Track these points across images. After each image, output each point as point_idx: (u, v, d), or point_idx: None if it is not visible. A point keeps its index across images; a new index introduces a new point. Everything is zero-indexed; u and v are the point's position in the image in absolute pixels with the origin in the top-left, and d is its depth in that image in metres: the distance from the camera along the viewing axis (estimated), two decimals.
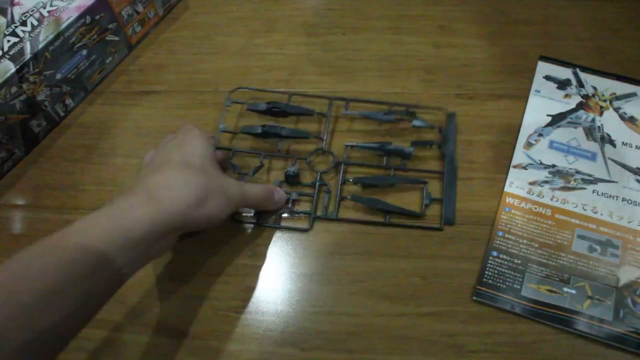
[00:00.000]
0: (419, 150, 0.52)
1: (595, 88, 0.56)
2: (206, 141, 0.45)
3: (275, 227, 0.50)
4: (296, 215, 0.50)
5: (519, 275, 0.46)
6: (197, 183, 0.40)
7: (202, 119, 0.57)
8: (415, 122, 0.52)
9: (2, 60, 0.50)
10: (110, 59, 0.61)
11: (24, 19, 0.53)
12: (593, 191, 0.50)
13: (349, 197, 0.50)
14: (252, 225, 0.50)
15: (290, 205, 0.50)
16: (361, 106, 0.55)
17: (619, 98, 0.55)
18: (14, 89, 0.50)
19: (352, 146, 0.52)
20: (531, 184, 0.50)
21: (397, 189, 0.51)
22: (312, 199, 0.50)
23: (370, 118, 0.54)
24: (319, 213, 0.50)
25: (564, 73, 0.57)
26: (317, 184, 0.50)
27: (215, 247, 0.49)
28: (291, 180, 0.50)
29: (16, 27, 0.52)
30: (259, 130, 0.52)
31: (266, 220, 0.50)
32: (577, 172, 0.51)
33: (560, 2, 0.63)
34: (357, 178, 0.50)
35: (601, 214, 0.48)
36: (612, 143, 0.52)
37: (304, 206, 0.51)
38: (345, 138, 0.54)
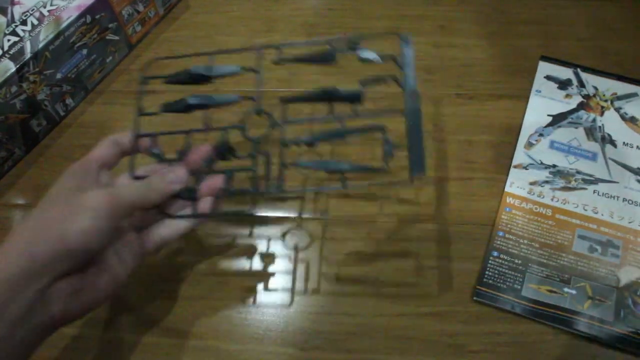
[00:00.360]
0: (378, 98, 0.45)
1: (596, 88, 0.56)
2: (65, 174, 0.37)
3: (214, 215, 0.41)
4: (235, 195, 0.41)
5: (519, 275, 0.46)
6: (24, 222, 0.34)
7: (202, 119, 0.57)
8: (363, 54, 0.41)
9: (2, 60, 0.50)
10: (110, 58, 0.60)
11: (24, 18, 0.53)
12: (594, 191, 0.50)
13: (291, 163, 0.41)
14: (202, 221, 0.42)
15: (226, 186, 0.40)
16: (296, 52, 0.43)
17: (620, 98, 0.55)
18: (14, 89, 0.50)
19: (288, 100, 0.43)
20: (532, 184, 0.50)
21: (355, 146, 0.45)
22: (252, 174, 0.41)
23: (306, 61, 0.43)
24: (261, 190, 0.41)
25: (565, 73, 0.57)
26: (254, 153, 0.41)
27: (215, 247, 0.49)
28: (224, 155, 0.42)
29: (16, 26, 0.52)
30: (182, 105, 0.43)
31: (203, 209, 0.40)
32: (578, 172, 0.51)
33: (561, 2, 0.63)
34: (300, 138, 0.41)
35: (602, 214, 0.48)
36: (612, 143, 0.52)
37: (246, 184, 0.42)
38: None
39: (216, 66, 0.44)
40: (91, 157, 0.38)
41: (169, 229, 0.39)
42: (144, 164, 0.41)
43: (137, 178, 0.40)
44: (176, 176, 0.39)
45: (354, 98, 0.41)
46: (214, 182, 0.40)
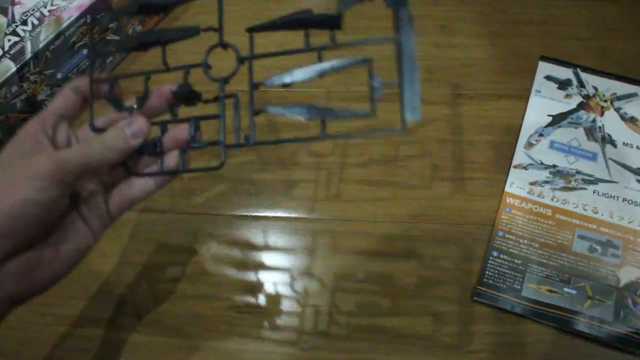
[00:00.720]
0: (359, 19, 0.37)
1: (596, 88, 0.56)
2: (18, 134, 0.33)
3: (182, 172, 0.36)
4: (200, 147, 0.36)
5: (519, 275, 0.46)
6: None
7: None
8: None
9: (2, 60, 0.50)
10: (110, 58, 0.61)
11: (25, 18, 0.53)
12: (594, 191, 0.50)
13: (264, 108, 0.35)
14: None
15: (193, 136, 0.36)
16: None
17: (619, 98, 0.55)
18: (14, 88, 0.50)
19: (255, 28, 0.37)
20: (532, 184, 0.50)
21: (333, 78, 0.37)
22: (217, 122, 0.37)
23: (293, 27, 0.37)
24: (230, 141, 0.36)
25: (565, 73, 0.57)
26: (221, 97, 0.37)
27: (215, 247, 0.49)
28: (185, 99, 0.37)
29: (17, 26, 0.52)
30: (134, 42, 0.37)
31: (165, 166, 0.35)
32: (578, 172, 0.51)
33: (561, 2, 0.63)
34: (273, 77, 0.36)
35: (602, 214, 0.48)
36: (612, 143, 0.52)
37: (211, 134, 0.38)
38: (248, 24, 0.39)
39: (167, 29, 0.39)
40: (47, 110, 0.34)
41: (136, 188, 0.35)
42: (105, 114, 0.37)
43: (97, 130, 0.35)
44: (136, 128, 0.33)
45: (331, 23, 0.35)
46: (179, 132, 0.36)
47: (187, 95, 0.36)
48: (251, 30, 0.36)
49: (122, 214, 0.36)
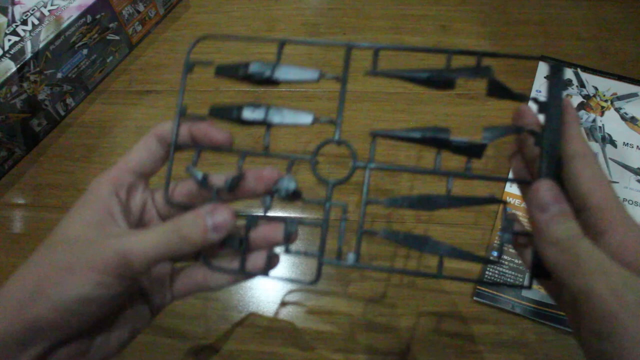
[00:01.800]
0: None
1: (596, 88, 0.56)
2: (88, 196, 0.29)
3: (260, 274, 0.31)
4: (296, 255, 0.33)
5: (519, 275, 0.46)
6: (20, 273, 0.27)
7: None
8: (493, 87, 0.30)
9: (3, 59, 0.50)
10: (111, 58, 0.60)
11: (25, 18, 0.53)
12: None
13: (377, 231, 0.31)
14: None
15: (287, 239, 0.32)
16: (397, 60, 0.31)
17: (620, 98, 0.55)
18: (14, 88, 0.50)
19: (382, 135, 0.32)
20: None
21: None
22: (316, 230, 0.32)
23: (415, 81, 0.31)
24: (327, 257, 0.32)
25: (565, 73, 0.57)
26: (328, 205, 0.32)
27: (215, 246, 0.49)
28: (288, 196, 0.32)
29: (17, 26, 0.52)
30: (234, 115, 0.31)
31: (242, 266, 0.31)
32: None
33: (561, 2, 0.63)
34: (391, 199, 0.31)
35: None
36: (613, 143, 0.52)
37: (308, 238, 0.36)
38: (369, 120, 0.34)
39: (284, 66, 0.33)
40: (124, 165, 0.29)
41: (210, 279, 0.31)
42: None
43: (174, 205, 0.30)
44: (219, 220, 0.27)
45: (473, 151, 0.32)
46: (271, 231, 0.31)
47: (290, 196, 0.31)
48: (375, 134, 0.32)
49: (185, 297, 0.32)
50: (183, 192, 0.31)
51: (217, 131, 0.30)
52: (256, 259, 0.31)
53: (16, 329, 0.25)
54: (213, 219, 0.27)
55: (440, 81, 0.30)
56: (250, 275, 0.31)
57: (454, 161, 0.52)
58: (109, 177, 0.29)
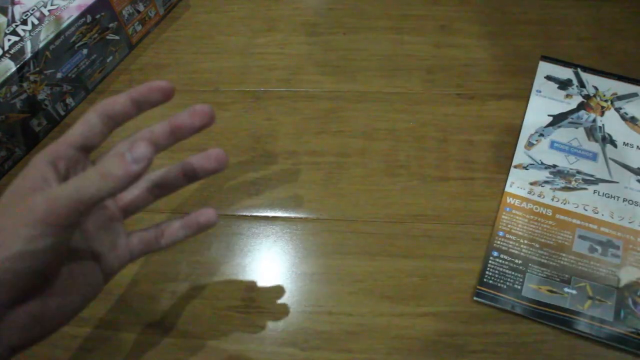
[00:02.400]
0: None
1: (596, 88, 0.56)
2: (25, 169, 0.29)
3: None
4: None
5: (519, 275, 0.46)
6: None
7: None
8: None
9: (2, 59, 0.50)
10: (110, 58, 0.61)
11: (25, 17, 0.53)
12: (594, 191, 0.50)
13: None
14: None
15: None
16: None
17: (620, 98, 0.55)
18: (14, 88, 0.50)
19: None
20: (532, 184, 0.50)
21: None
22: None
23: None
24: None
25: (565, 73, 0.57)
26: None
27: (214, 247, 0.49)
28: None
29: (17, 25, 0.52)
30: None
31: None
32: (578, 172, 0.51)
33: (561, 2, 0.63)
34: None
35: (602, 215, 0.48)
36: (613, 143, 0.52)
37: None
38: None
39: None
40: (61, 140, 0.30)
41: (158, 237, 0.34)
42: None
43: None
44: (139, 152, 0.27)
45: None
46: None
47: None
48: None
49: (145, 254, 0.33)
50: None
51: (158, 81, 0.32)
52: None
53: None
54: (132, 153, 0.27)
55: None
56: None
57: (454, 162, 0.53)
58: (47, 150, 0.30)
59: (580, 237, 0.47)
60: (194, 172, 0.34)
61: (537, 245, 0.47)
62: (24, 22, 0.53)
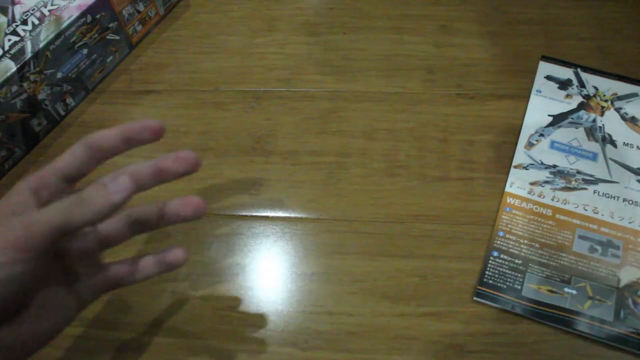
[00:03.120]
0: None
1: (596, 88, 0.56)
2: (9, 193, 0.30)
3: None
4: None
5: (519, 275, 0.46)
6: None
7: (202, 118, 0.57)
8: None
9: (2, 59, 0.50)
10: (111, 58, 0.61)
11: (25, 17, 0.53)
12: (594, 191, 0.50)
13: None
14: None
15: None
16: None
17: (620, 98, 0.55)
18: (14, 88, 0.50)
19: None
20: (532, 184, 0.50)
21: None
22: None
23: None
24: None
25: (565, 73, 0.57)
26: None
27: (214, 247, 0.49)
28: None
29: (17, 25, 0.52)
30: None
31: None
32: (578, 172, 0.51)
33: (562, 2, 0.63)
34: None
35: (602, 215, 0.48)
36: (613, 143, 0.52)
37: None
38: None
39: None
40: (47, 167, 0.31)
41: (133, 272, 0.34)
42: None
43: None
44: (121, 183, 0.28)
45: None
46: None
47: None
48: None
49: (119, 287, 0.33)
50: None
51: (150, 121, 0.32)
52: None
53: None
54: (114, 184, 0.28)
55: None
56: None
57: (454, 162, 0.53)
58: (31, 177, 0.30)
59: (580, 237, 0.47)
60: (170, 217, 0.34)
61: (537, 245, 0.47)
62: (24, 22, 0.53)
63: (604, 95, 0.55)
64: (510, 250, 0.47)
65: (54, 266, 0.30)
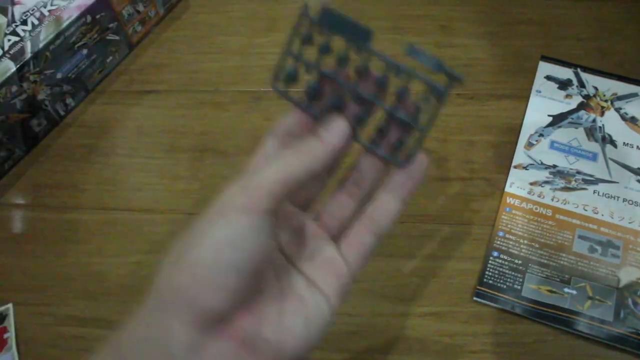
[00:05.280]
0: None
1: (596, 88, 0.56)
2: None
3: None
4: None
5: (519, 275, 0.46)
6: None
7: (203, 118, 0.57)
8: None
9: (2, 60, 0.50)
10: (110, 58, 0.60)
11: (25, 18, 0.53)
12: (594, 192, 0.50)
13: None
14: None
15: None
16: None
17: (620, 98, 0.55)
18: (14, 88, 0.50)
19: None
20: (532, 184, 0.50)
21: None
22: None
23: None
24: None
25: (565, 73, 0.57)
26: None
27: None
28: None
29: (17, 26, 0.52)
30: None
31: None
32: (578, 172, 0.51)
33: (561, 2, 0.63)
34: None
35: (602, 215, 0.48)
36: (613, 143, 0.52)
37: None
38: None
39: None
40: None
41: (379, 211, 0.29)
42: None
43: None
44: (334, 127, 0.27)
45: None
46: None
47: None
48: None
49: (365, 263, 0.28)
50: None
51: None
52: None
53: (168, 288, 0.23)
54: (327, 129, 0.27)
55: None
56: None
57: (454, 162, 0.52)
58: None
59: (580, 237, 0.47)
60: None
61: (537, 246, 0.47)
62: (24, 23, 0.53)
63: (604, 96, 0.55)
64: (510, 250, 0.47)
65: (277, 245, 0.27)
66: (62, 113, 0.58)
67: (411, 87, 0.28)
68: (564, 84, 0.56)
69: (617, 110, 0.54)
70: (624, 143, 0.52)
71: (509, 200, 0.49)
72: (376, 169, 0.29)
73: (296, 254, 0.28)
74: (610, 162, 0.51)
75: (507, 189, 0.50)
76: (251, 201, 0.23)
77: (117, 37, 0.60)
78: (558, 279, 0.45)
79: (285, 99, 0.29)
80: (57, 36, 0.52)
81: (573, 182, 0.50)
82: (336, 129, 0.27)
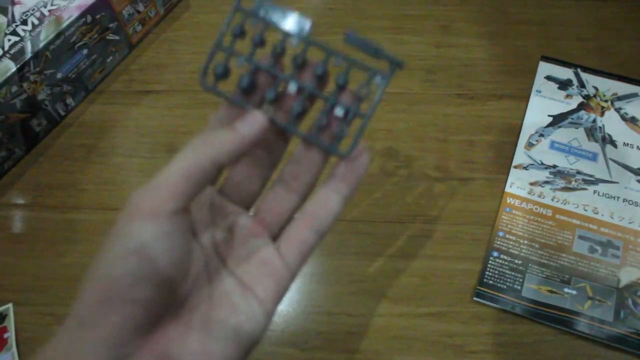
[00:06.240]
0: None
1: (596, 88, 0.56)
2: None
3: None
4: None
5: (519, 275, 0.46)
6: None
7: (203, 118, 0.57)
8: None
9: (2, 59, 0.50)
10: (110, 58, 0.60)
11: (25, 17, 0.53)
12: (594, 192, 0.50)
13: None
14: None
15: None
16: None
17: (620, 98, 0.55)
18: (14, 88, 0.50)
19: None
20: (532, 184, 0.50)
21: None
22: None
23: None
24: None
25: (565, 73, 0.57)
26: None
27: None
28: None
29: (17, 26, 0.52)
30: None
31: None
32: (578, 172, 0.51)
33: (562, 2, 0.63)
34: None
35: (602, 215, 0.48)
36: (613, 143, 0.52)
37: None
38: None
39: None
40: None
41: (322, 206, 0.26)
42: None
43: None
44: (250, 119, 0.25)
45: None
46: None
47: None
48: None
49: (305, 261, 0.26)
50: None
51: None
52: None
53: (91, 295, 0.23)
54: (243, 120, 0.25)
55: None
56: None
57: (454, 162, 0.52)
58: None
59: (580, 237, 0.47)
60: None
61: (537, 246, 0.47)
62: (24, 22, 0.53)
63: (604, 96, 0.55)
64: (510, 250, 0.47)
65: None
66: (62, 113, 0.58)
67: (352, 76, 0.28)
68: (564, 84, 0.56)
69: (617, 110, 0.54)
70: (624, 143, 0.52)
71: (509, 200, 0.49)
72: (316, 161, 0.27)
73: (231, 255, 0.26)
74: (610, 162, 0.51)
75: (507, 189, 0.50)
76: (155, 204, 0.22)
77: (117, 37, 0.60)
78: (558, 279, 0.45)
79: (216, 95, 0.28)
80: (57, 36, 0.52)
81: (573, 182, 0.50)
82: (250, 120, 0.25)
